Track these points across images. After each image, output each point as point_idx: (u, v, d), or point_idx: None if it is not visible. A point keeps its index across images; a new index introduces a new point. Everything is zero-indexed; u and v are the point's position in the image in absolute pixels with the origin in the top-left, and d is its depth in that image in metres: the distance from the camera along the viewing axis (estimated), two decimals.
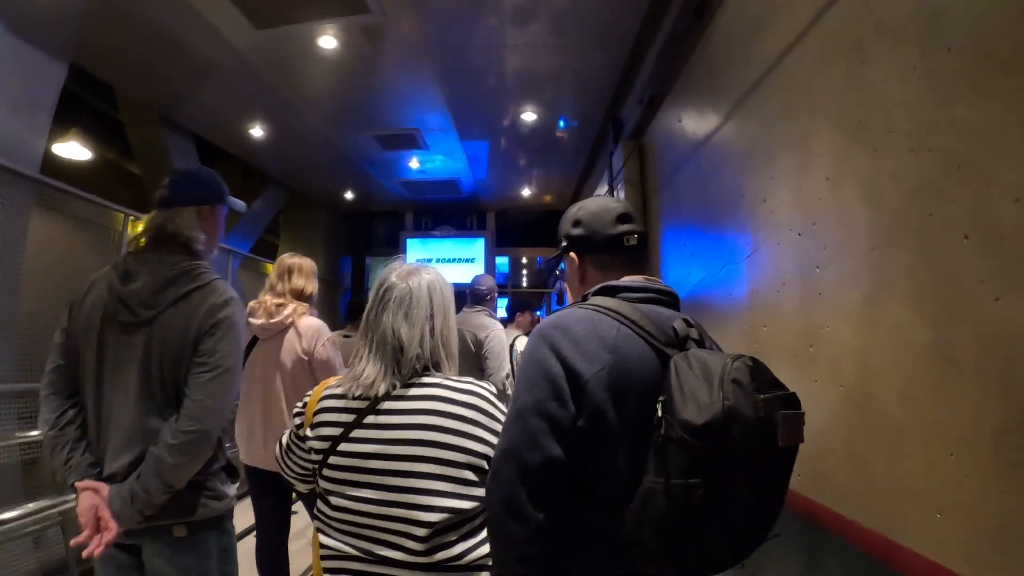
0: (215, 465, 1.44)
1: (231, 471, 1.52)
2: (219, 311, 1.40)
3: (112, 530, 1.28)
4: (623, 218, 1.16)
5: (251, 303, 2.38)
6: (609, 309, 1.02)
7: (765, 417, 0.84)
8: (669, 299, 1.09)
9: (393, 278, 1.20)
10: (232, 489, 1.51)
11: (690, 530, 0.85)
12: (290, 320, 2.32)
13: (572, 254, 1.19)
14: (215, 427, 1.37)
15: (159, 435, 1.33)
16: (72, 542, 1.33)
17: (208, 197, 1.54)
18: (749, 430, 0.83)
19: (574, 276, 1.21)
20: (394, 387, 1.11)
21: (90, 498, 1.29)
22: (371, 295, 1.21)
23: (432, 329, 1.16)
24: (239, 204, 1.68)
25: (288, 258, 2.46)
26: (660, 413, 0.87)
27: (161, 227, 1.45)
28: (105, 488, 1.31)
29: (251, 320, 2.33)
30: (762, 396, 0.85)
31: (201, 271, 1.45)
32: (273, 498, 2.38)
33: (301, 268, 2.44)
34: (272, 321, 2.30)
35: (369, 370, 1.12)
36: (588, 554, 0.97)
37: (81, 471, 1.34)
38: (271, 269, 2.52)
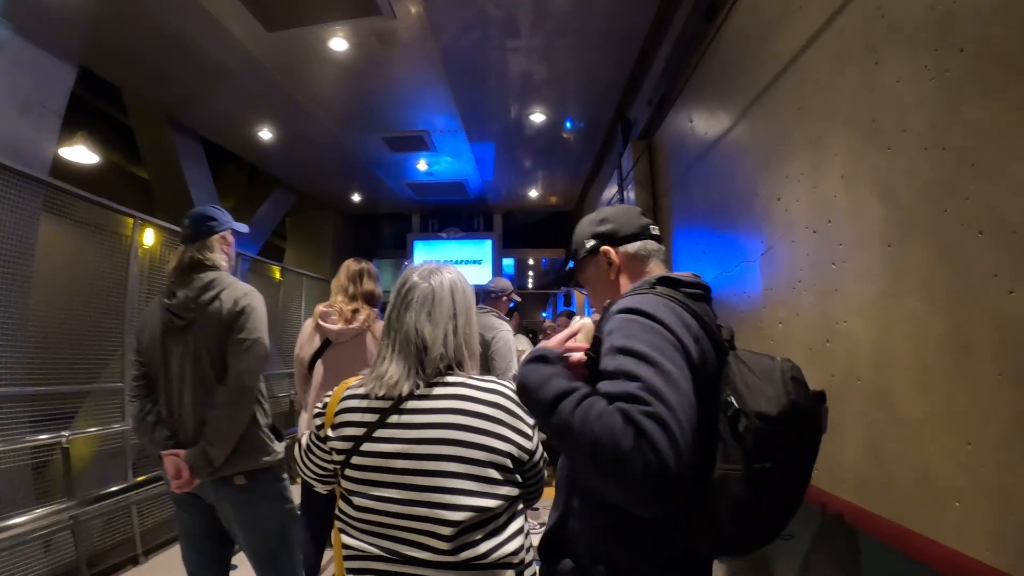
0: (262, 424, 1.86)
1: (275, 431, 1.96)
2: (242, 300, 1.82)
3: (188, 479, 1.74)
4: (643, 213, 1.28)
5: (321, 307, 2.45)
6: (682, 302, 1.05)
7: (815, 409, 1.00)
8: (709, 297, 1.17)
9: (415, 277, 1.20)
10: (278, 445, 1.94)
11: (759, 509, 0.95)
12: (367, 325, 2.37)
13: (605, 248, 1.23)
14: (252, 383, 1.80)
15: (213, 401, 1.77)
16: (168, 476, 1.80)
17: (220, 226, 1.97)
18: (808, 420, 0.98)
19: (607, 272, 1.23)
20: (418, 387, 1.10)
21: (172, 460, 1.76)
22: (392, 295, 1.22)
23: (455, 328, 1.17)
24: (242, 227, 2.11)
25: (355, 263, 2.50)
26: (736, 405, 0.95)
27: (192, 256, 1.88)
28: (182, 452, 1.77)
29: (325, 324, 2.37)
30: (812, 392, 1.00)
31: (224, 278, 1.88)
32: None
33: (370, 272, 2.49)
34: (350, 327, 2.35)
35: (393, 370, 1.12)
36: (646, 537, 1.01)
37: (160, 444, 1.81)
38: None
